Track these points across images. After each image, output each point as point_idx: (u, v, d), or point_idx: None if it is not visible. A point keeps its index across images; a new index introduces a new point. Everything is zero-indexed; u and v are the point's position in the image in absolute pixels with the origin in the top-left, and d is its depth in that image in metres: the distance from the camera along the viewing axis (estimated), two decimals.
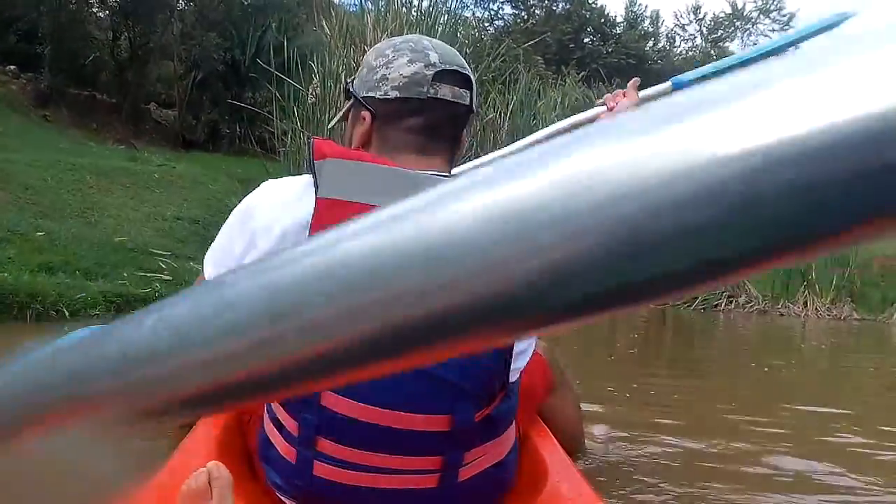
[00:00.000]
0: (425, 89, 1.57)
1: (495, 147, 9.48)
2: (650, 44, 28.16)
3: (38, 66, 16.82)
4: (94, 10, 18.11)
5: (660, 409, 4.45)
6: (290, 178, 1.58)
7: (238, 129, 17.17)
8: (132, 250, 8.14)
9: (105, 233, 8.46)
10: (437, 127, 1.60)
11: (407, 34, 2.17)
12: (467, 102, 1.62)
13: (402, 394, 1.44)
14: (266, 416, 1.59)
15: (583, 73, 16.15)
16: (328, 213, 1.40)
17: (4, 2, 16.93)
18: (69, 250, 7.45)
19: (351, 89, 1.69)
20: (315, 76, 9.90)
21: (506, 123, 10.79)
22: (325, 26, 9.98)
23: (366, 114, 1.63)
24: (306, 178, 1.50)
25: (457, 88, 1.60)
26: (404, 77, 1.58)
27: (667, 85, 2.67)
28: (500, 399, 1.52)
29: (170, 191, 11.03)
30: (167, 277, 7.58)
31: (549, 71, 14.60)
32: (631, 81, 2.53)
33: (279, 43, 10.19)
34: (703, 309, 13.33)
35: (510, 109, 10.96)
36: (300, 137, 9.54)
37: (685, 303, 12.80)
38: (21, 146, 10.87)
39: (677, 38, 36.34)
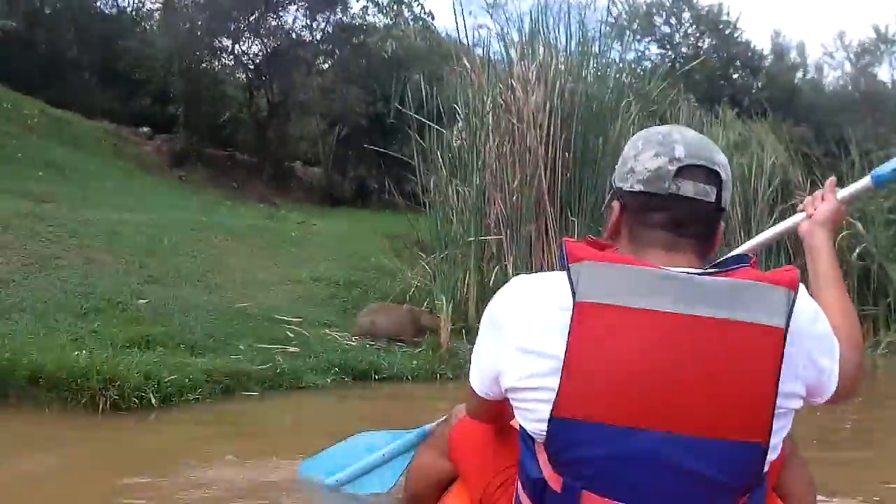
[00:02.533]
0: (667, 185, 1.57)
1: None
2: (799, 75, 26.51)
3: (172, 128, 16.23)
4: (228, 69, 17.46)
5: None
6: (535, 278, 1.61)
7: (386, 184, 16.04)
8: (255, 317, 6.70)
9: (224, 299, 7.05)
10: (683, 224, 1.58)
11: (647, 131, 1.76)
12: (713, 199, 1.59)
13: (662, 493, 1.44)
14: None
15: (736, 110, 14.71)
16: (587, 316, 1.43)
17: (136, 64, 16.49)
18: (175, 320, 6.05)
19: (612, 177, 1.72)
20: (459, 118, 8.71)
21: None
22: (467, 62, 8.54)
23: (616, 204, 1.67)
24: (554, 280, 1.52)
25: (701, 185, 1.58)
26: (648, 171, 1.59)
27: (866, 181, 2.26)
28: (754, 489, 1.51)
29: (308, 250, 9.65)
30: (293, 349, 6.09)
31: (702, 109, 13.20)
32: (828, 182, 2.22)
33: (423, 94, 8.91)
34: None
35: None
36: (446, 186, 8.38)
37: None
38: (143, 206, 9.73)
39: (825, 66, 34.41)
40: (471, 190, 7.94)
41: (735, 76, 23.97)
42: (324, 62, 17.99)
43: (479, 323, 5.10)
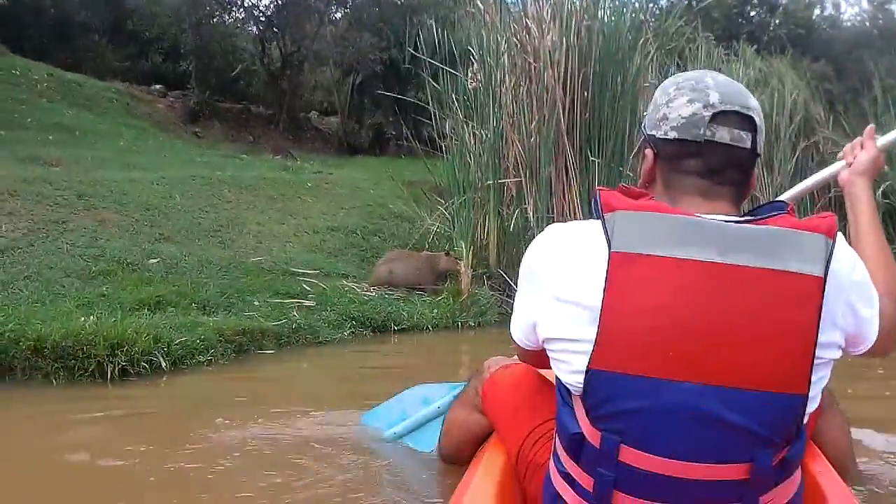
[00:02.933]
0: (702, 132, 1.56)
1: None
2: (817, 11, 26.12)
3: (185, 84, 16.01)
4: (239, 23, 17.15)
5: None
6: (570, 228, 1.59)
7: (403, 130, 15.84)
8: (269, 272, 6.55)
9: (239, 254, 6.90)
10: (718, 171, 1.57)
11: (692, 70, 1.95)
12: (748, 146, 1.58)
13: (702, 446, 1.43)
14: (554, 470, 1.64)
15: (755, 47, 14.36)
16: (623, 266, 1.41)
17: (145, 21, 16.24)
18: (187, 279, 5.91)
19: (643, 124, 1.70)
20: (474, 60, 8.46)
21: None
22: (480, 3, 8.24)
23: (649, 152, 1.66)
24: (589, 230, 1.50)
25: (736, 131, 1.56)
26: (682, 118, 1.58)
27: None
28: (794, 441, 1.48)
29: (324, 200, 9.42)
30: (309, 303, 5.93)
31: (719, 47, 12.90)
32: (867, 130, 2.14)
33: (436, 39, 8.62)
34: None
35: None
36: (462, 130, 8.11)
37: None
38: (155, 165, 9.53)
39: (843, 2, 33.98)
40: (487, 132, 7.67)
41: (752, 14, 23.66)
42: (336, 10, 17.64)
43: (500, 269, 4.98)
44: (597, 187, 1.62)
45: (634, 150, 7.51)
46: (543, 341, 1.59)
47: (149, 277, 5.78)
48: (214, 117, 15.91)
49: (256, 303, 5.73)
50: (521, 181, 7.47)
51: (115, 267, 5.83)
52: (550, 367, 1.65)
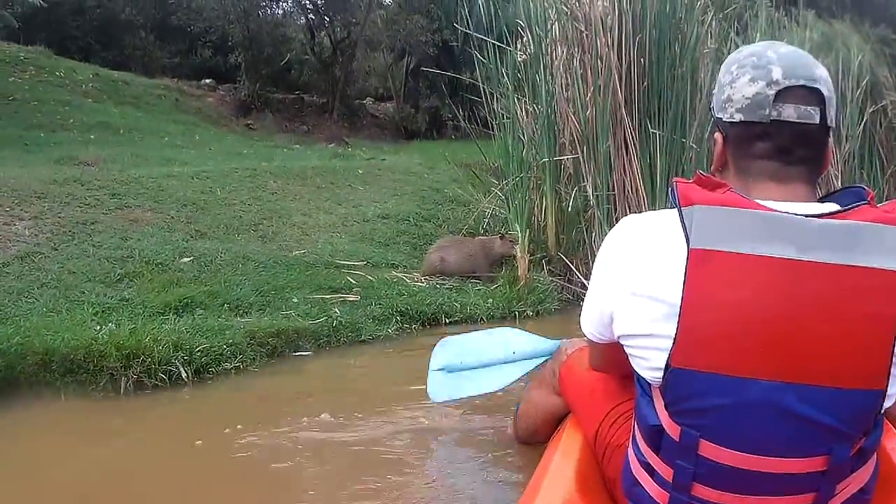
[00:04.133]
0: (767, 112, 1.51)
1: None
2: None
3: (236, 77, 15.72)
4: (287, 14, 16.90)
5: None
6: (647, 220, 1.57)
7: (461, 112, 15.47)
8: (312, 265, 6.10)
9: (281, 247, 6.47)
10: (788, 150, 1.52)
11: (754, 40, 1.27)
12: (816, 121, 1.52)
13: (781, 441, 1.44)
14: (633, 457, 1.65)
15: (813, 11, 13.77)
16: (702, 263, 1.41)
17: (191, 16, 15.99)
18: (221, 277, 5.49)
19: (711, 106, 1.67)
20: (522, 32, 7.81)
21: None
22: None
23: (718, 136, 1.62)
24: (667, 223, 1.48)
25: (802, 107, 1.51)
26: (746, 98, 1.53)
27: None
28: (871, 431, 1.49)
29: (376, 187, 8.97)
30: (353, 298, 5.46)
31: (779, 11, 12.33)
32: None
33: (486, 16, 8.05)
34: None
35: None
36: (514, 105, 7.39)
37: None
38: (199, 159, 9.18)
39: None
40: (540, 107, 7.08)
41: None
42: None
43: (559, 252, 4.54)
44: (674, 179, 1.54)
45: (696, 121, 6.88)
46: (619, 337, 1.59)
47: (179, 278, 5.35)
48: (267, 108, 15.75)
49: (295, 300, 5.28)
50: (579, 158, 6.89)
51: (142, 268, 5.41)
52: (621, 364, 1.64)
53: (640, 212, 6.82)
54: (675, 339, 1.42)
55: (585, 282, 6.45)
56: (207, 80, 16.33)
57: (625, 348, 1.58)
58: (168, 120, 13.05)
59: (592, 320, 1.68)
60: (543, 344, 3.01)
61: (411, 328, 5.34)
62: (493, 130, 7.94)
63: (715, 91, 1.63)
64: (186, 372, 4.01)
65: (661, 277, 1.45)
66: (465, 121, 9.71)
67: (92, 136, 10.36)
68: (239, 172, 8.26)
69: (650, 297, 1.47)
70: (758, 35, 8.71)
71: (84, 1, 16.19)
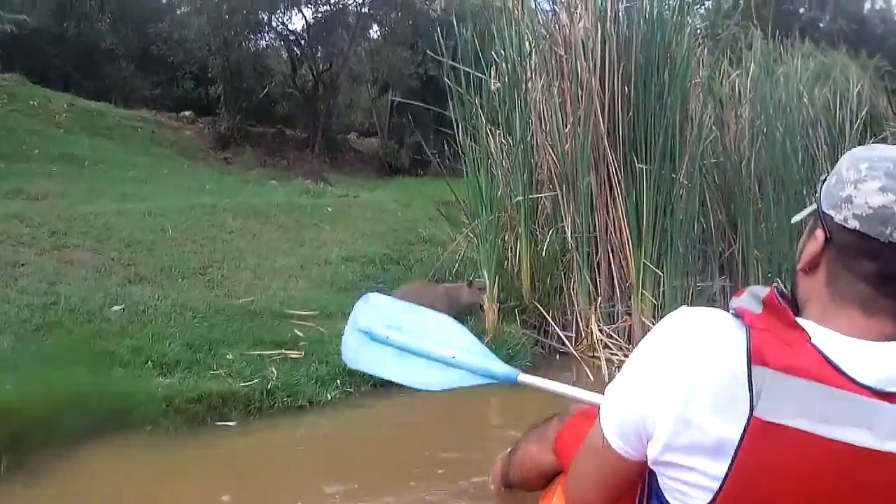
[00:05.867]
0: (888, 231, 1.28)
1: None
2: (867, 5, 25.79)
3: (216, 110, 15.32)
4: (269, 44, 16.59)
5: None
6: (711, 333, 1.31)
7: (445, 148, 15.06)
8: (258, 315, 5.53)
9: (226, 294, 5.93)
10: (890, 280, 1.31)
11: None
12: None
13: None
14: None
15: (806, 42, 13.75)
16: (763, 436, 1.22)
17: (172, 46, 15.59)
18: (150, 329, 4.90)
19: (819, 190, 1.42)
20: (496, 59, 7.19)
21: (747, 94, 8.19)
22: (510, 5, 7.30)
23: (820, 233, 1.38)
24: (732, 348, 1.26)
25: None
26: (870, 208, 1.30)
27: None
28: None
29: (344, 226, 8.48)
30: (295, 355, 4.88)
31: (772, 42, 12.28)
32: None
33: (469, 50, 7.54)
34: None
35: (750, 76, 8.30)
36: (486, 137, 6.77)
37: None
38: (157, 193, 8.69)
39: None
40: (515, 139, 6.54)
41: (801, 10, 23.24)
42: (370, 25, 17.08)
43: (534, 300, 3.56)
44: (737, 307, 1.32)
45: (687, 155, 6.37)
46: (652, 462, 1.35)
47: (103, 329, 4.78)
48: (247, 142, 15.43)
49: (230, 356, 4.69)
50: (557, 195, 6.36)
51: (65, 318, 4.83)
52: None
53: (623, 257, 6.31)
54: (720, 487, 1.25)
55: (561, 333, 5.95)
56: (186, 112, 16.10)
57: (658, 474, 1.37)
58: (140, 153, 12.66)
59: (620, 423, 1.39)
60: (494, 365, 2.66)
61: (359, 391, 4.76)
62: (465, 166, 7.33)
63: (830, 180, 1.38)
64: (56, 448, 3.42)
65: (716, 410, 1.25)
66: (448, 157, 9.17)
67: (53, 168, 9.92)
68: (196, 210, 7.76)
69: (698, 427, 1.26)
70: (752, 65, 8.32)
71: (65, 29, 15.86)
